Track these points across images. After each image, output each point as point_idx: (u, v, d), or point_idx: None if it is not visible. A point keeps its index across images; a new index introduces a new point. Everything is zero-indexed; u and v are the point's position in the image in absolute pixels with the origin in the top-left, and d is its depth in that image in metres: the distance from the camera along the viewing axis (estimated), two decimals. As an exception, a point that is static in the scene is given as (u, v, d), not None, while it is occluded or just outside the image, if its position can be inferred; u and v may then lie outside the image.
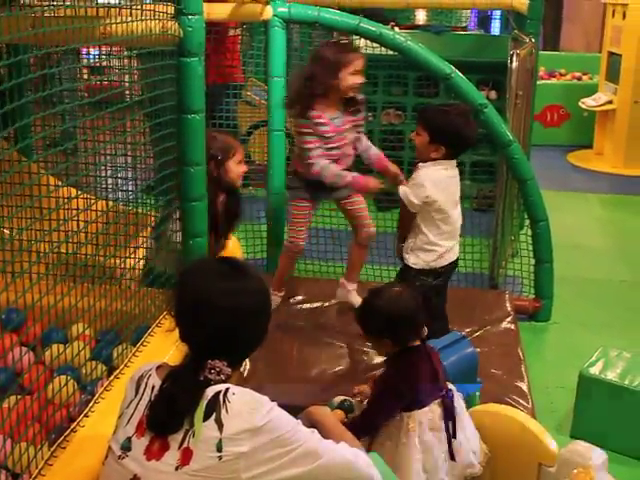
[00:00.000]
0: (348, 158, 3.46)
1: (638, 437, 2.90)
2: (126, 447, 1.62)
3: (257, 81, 6.28)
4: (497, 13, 10.22)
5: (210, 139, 2.77)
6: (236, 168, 3.14)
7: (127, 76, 3.03)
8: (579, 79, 8.66)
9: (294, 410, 1.83)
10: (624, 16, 7.24)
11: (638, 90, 7.17)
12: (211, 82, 5.74)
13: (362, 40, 3.95)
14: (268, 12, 3.72)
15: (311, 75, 3.29)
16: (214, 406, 1.57)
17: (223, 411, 1.57)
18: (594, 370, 3.00)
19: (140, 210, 3.00)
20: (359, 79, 3.33)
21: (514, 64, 3.71)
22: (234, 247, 4.08)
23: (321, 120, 3.29)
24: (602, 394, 2.94)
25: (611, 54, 7.53)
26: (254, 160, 6.07)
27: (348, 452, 1.73)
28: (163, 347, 2.37)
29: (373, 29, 3.72)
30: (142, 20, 2.21)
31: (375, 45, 4.05)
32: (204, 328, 1.64)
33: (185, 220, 2.61)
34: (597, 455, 2.19)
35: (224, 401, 1.58)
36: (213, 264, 1.78)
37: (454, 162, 3.07)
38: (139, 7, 2.23)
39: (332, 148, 3.37)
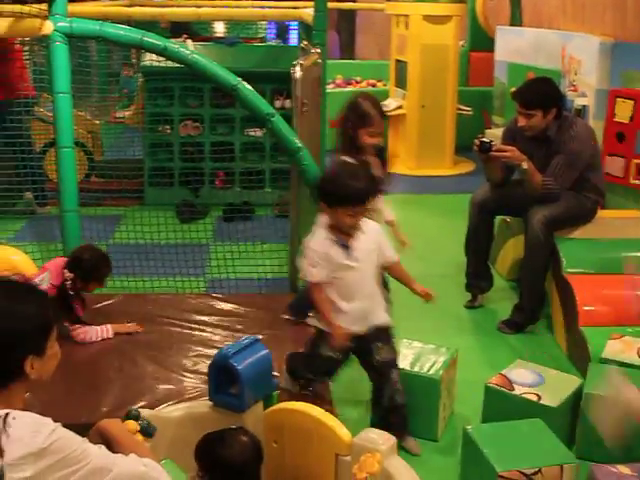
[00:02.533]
0: None
1: (428, 419, 3.09)
2: None
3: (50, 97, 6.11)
4: (295, 24, 10.48)
5: None
6: None
7: None
8: (374, 86, 9.06)
9: (82, 428, 1.82)
10: (407, 26, 7.66)
11: (424, 95, 7.60)
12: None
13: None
14: (48, 27, 3.65)
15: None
16: None
17: (4, 437, 1.53)
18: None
19: None
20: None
21: (297, 74, 3.84)
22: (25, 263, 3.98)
23: None
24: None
25: (398, 61, 7.92)
26: (51, 178, 5.91)
27: (138, 463, 1.74)
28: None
29: (158, 43, 3.73)
30: None
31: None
32: None
33: None
34: (386, 439, 2.33)
35: (4, 426, 1.55)
36: None
37: None
38: None
39: None
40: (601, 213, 4.35)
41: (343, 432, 2.41)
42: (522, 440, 2.64)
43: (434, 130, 7.70)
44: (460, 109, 7.94)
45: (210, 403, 2.56)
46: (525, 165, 4.05)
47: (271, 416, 2.55)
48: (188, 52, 3.76)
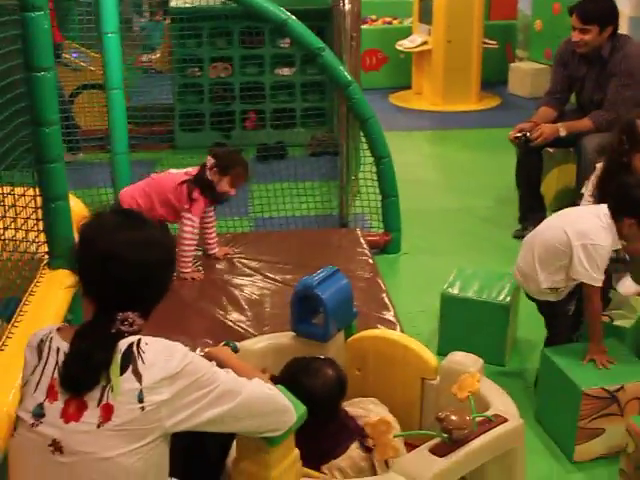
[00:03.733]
0: None
1: (496, 345, 3.14)
2: (38, 414, 1.58)
3: (75, 44, 6.08)
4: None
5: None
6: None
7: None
8: (389, 23, 8.93)
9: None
10: (431, -40, 7.52)
11: (450, 30, 7.49)
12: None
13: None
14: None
15: None
16: (129, 358, 1.57)
17: (139, 362, 1.57)
18: (454, 290, 3.20)
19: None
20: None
21: (347, 6, 3.80)
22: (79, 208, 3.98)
23: None
24: (463, 311, 3.14)
25: (423, -3, 7.80)
26: (80, 126, 5.89)
27: (264, 386, 1.78)
28: (42, 315, 2.32)
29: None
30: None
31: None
32: (113, 282, 1.62)
33: (44, 183, 2.53)
34: (474, 361, 2.37)
35: (138, 352, 1.58)
36: (113, 216, 1.75)
37: None
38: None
39: None
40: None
41: (429, 356, 2.44)
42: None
43: (460, 65, 7.61)
44: (486, 43, 7.84)
45: (293, 334, 2.58)
46: (563, 132, 4.08)
47: (354, 344, 2.58)
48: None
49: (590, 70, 4.17)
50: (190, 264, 3.54)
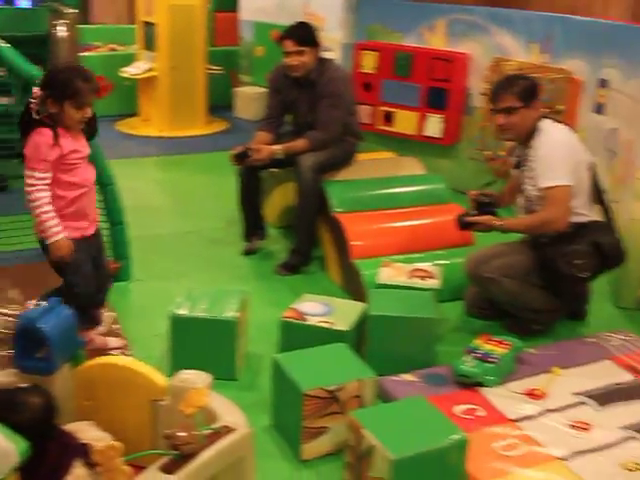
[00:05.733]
0: None
1: (227, 360, 3.23)
2: None
3: None
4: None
5: None
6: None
7: None
8: (114, 50, 8.86)
9: None
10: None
11: (174, 56, 7.58)
12: None
13: None
14: None
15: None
16: None
17: None
18: (181, 311, 3.25)
19: None
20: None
21: (62, 33, 3.74)
22: None
23: None
24: (192, 330, 3.20)
25: (146, 24, 7.81)
26: None
27: None
28: None
29: None
30: None
31: None
32: None
33: None
34: (202, 377, 2.44)
35: None
36: None
37: None
38: None
39: None
40: (359, 155, 4.71)
41: (158, 377, 2.48)
42: (324, 362, 2.86)
43: (186, 90, 7.74)
44: (210, 69, 8.04)
45: (16, 371, 2.51)
46: (281, 154, 4.34)
47: (81, 374, 2.56)
48: None
49: (301, 94, 4.44)
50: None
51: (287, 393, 2.78)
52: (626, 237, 3.88)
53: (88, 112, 3.12)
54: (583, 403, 3.08)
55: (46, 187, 3.06)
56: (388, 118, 6.11)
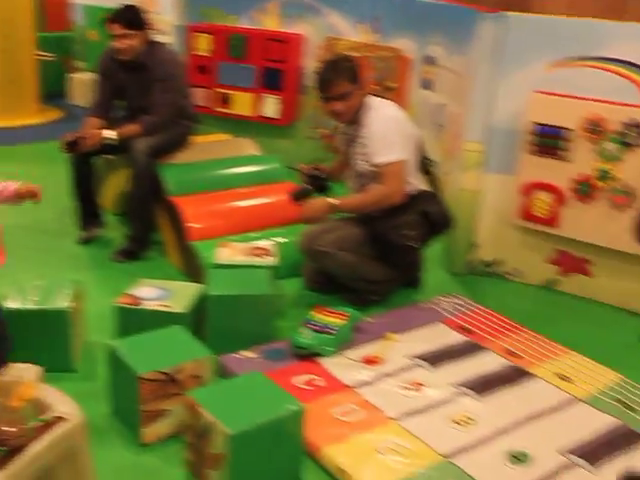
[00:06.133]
0: None
1: (62, 351, 3.15)
2: None
3: None
4: None
5: None
6: None
7: None
8: None
9: None
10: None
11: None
12: None
13: None
14: None
15: None
16: None
17: None
18: (13, 304, 3.12)
19: None
20: None
21: None
22: None
23: None
24: (22, 323, 3.08)
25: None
26: None
27: None
28: None
29: None
30: None
31: None
32: None
33: None
34: (32, 370, 2.38)
35: None
36: None
37: None
38: None
39: None
40: (195, 139, 4.69)
41: (-20, 375, 2.40)
42: (161, 345, 2.84)
43: (13, 79, 7.41)
44: (40, 55, 7.73)
45: None
46: (114, 137, 4.25)
47: None
48: None
49: (132, 78, 4.37)
50: None
51: (123, 379, 2.74)
52: (455, 207, 4.07)
53: None
54: (417, 365, 3.23)
55: None
56: (225, 100, 6.12)
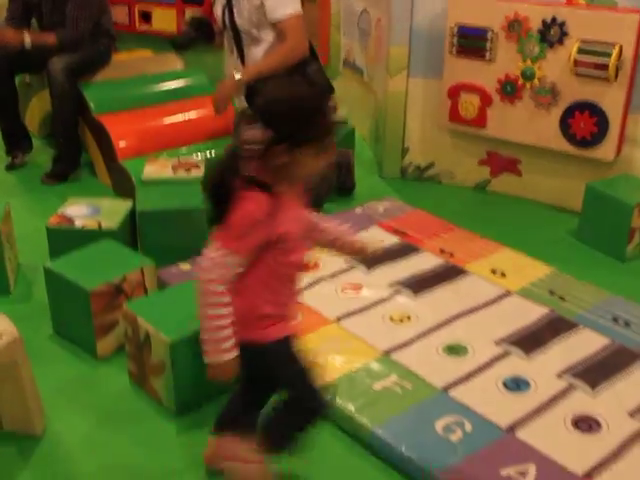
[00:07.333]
0: None
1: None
2: None
3: None
4: None
5: None
6: None
7: None
8: None
9: None
10: None
11: None
12: None
13: None
14: None
15: None
16: None
17: None
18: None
19: None
20: None
21: None
22: None
23: None
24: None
25: None
26: None
27: None
28: None
29: None
30: None
31: None
32: None
33: None
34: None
35: None
36: None
37: None
38: None
39: None
40: (117, 57, 4.55)
41: None
42: (99, 259, 2.82)
43: None
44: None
45: None
46: (28, 42, 4.06)
47: None
48: None
49: (45, -1, 4.18)
50: None
51: (69, 297, 2.72)
52: (383, 111, 4.06)
53: None
54: (354, 267, 3.26)
55: None
56: (146, 17, 5.93)
